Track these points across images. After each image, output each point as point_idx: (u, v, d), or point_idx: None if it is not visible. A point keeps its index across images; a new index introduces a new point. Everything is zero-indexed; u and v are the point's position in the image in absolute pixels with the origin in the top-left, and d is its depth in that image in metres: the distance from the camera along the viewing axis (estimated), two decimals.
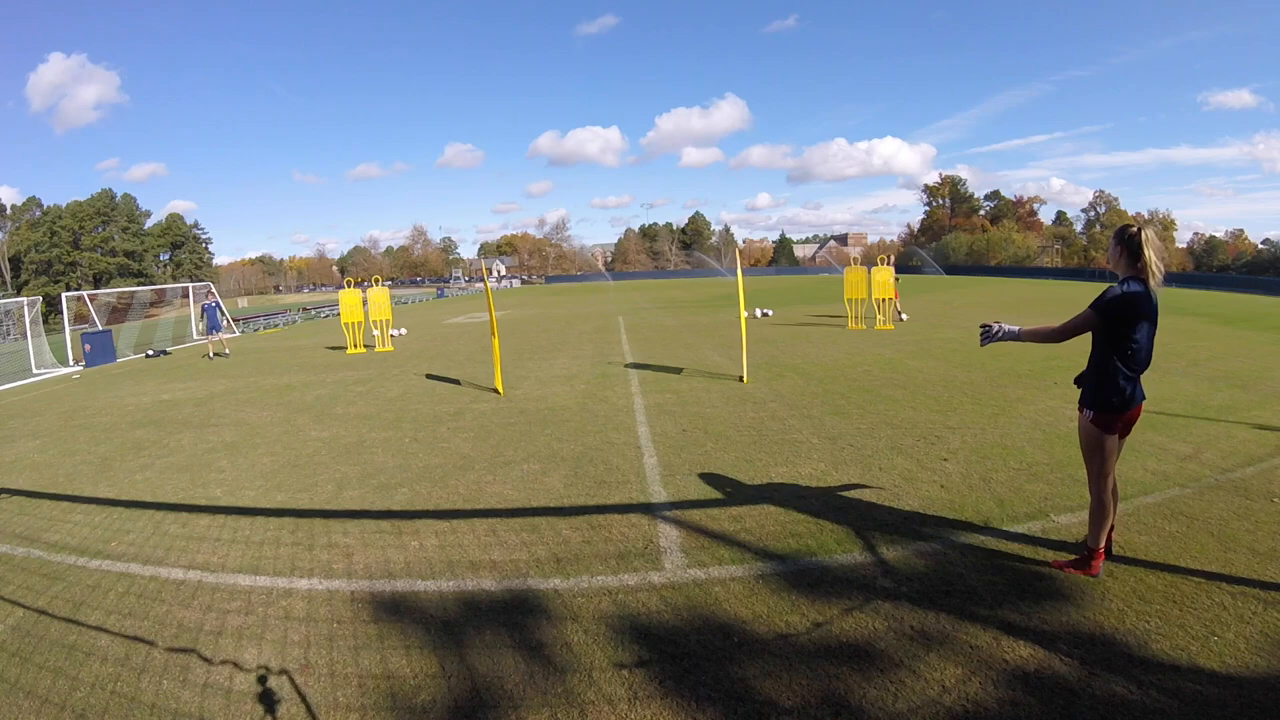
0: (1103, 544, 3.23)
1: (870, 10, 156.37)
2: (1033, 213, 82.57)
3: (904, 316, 16.31)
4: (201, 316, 16.20)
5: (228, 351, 15.60)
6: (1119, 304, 2.91)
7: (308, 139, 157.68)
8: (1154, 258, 2.92)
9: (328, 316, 31.45)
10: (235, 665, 2.85)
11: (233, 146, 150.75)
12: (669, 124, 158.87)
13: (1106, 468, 3.10)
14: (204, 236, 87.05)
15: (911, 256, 72.74)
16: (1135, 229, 2.99)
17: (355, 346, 14.76)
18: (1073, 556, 3.35)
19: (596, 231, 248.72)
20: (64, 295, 20.40)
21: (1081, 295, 25.45)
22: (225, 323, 17.71)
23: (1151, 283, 2.93)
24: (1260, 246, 70.80)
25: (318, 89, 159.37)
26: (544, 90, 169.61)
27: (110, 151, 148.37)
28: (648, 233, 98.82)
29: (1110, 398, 3.01)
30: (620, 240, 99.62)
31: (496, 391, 8.69)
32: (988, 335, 3.22)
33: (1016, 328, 3.20)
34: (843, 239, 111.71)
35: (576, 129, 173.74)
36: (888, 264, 15.64)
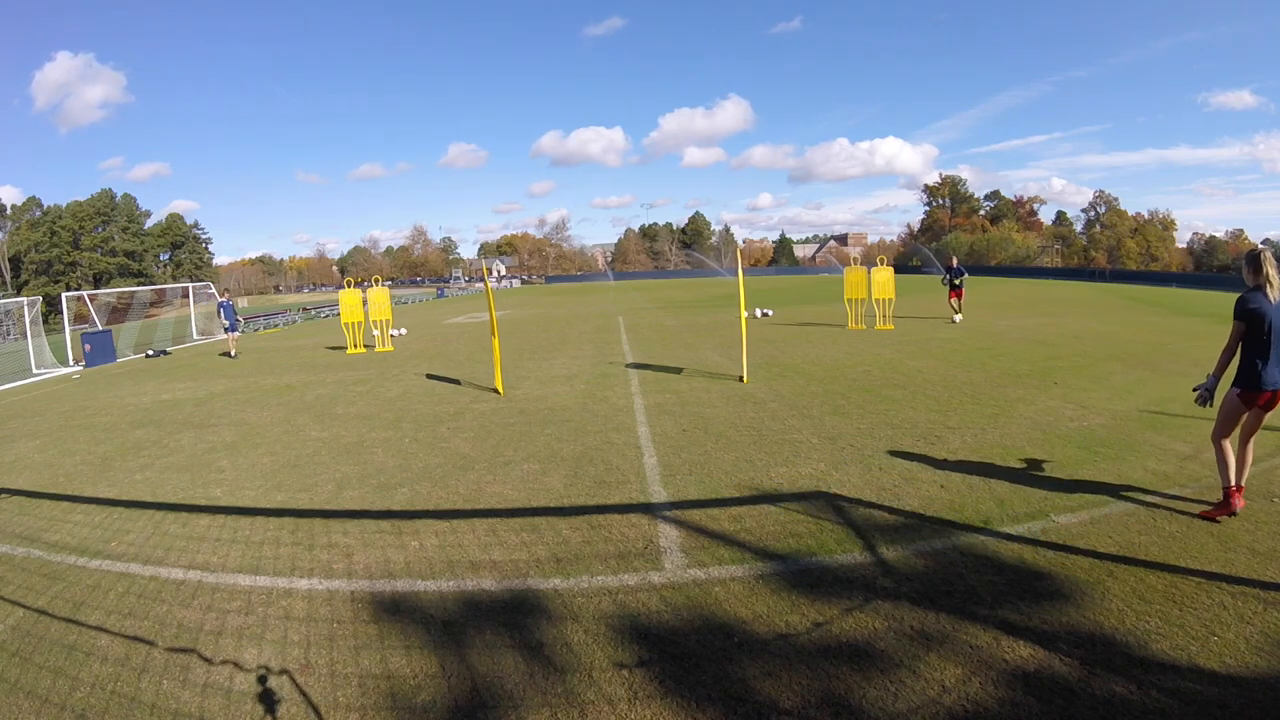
0: (1232, 483, 3.78)
1: (874, 11, 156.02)
2: (1033, 213, 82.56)
3: (956, 318, 15.21)
4: (218, 314, 16.26)
5: (234, 354, 15.63)
6: (1242, 305, 3.67)
7: (311, 139, 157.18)
8: (1272, 273, 3.63)
9: (328, 316, 31.45)
10: (235, 665, 2.85)
11: (236, 146, 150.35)
12: (672, 124, 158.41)
13: (1226, 429, 3.83)
14: (204, 236, 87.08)
15: (913, 255, 72.65)
16: (1256, 251, 3.73)
17: (355, 346, 14.76)
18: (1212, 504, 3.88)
19: (598, 231, 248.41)
20: (64, 295, 20.40)
21: (1081, 295, 25.39)
22: (241, 322, 17.78)
23: (1269, 293, 3.61)
24: (1260, 247, 70.73)
25: (322, 89, 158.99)
26: (548, 91, 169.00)
27: (114, 151, 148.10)
28: (648, 233, 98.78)
29: (1251, 378, 3.68)
30: (620, 240, 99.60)
31: (496, 391, 8.69)
32: (1204, 395, 3.84)
33: (1210, 378, 3.82)
34: (843, 239, 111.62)
35: (580, 129, 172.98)
36: (951, 268, 15.64)
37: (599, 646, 2.85)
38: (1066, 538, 3.63)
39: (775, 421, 6.49)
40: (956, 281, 15.79)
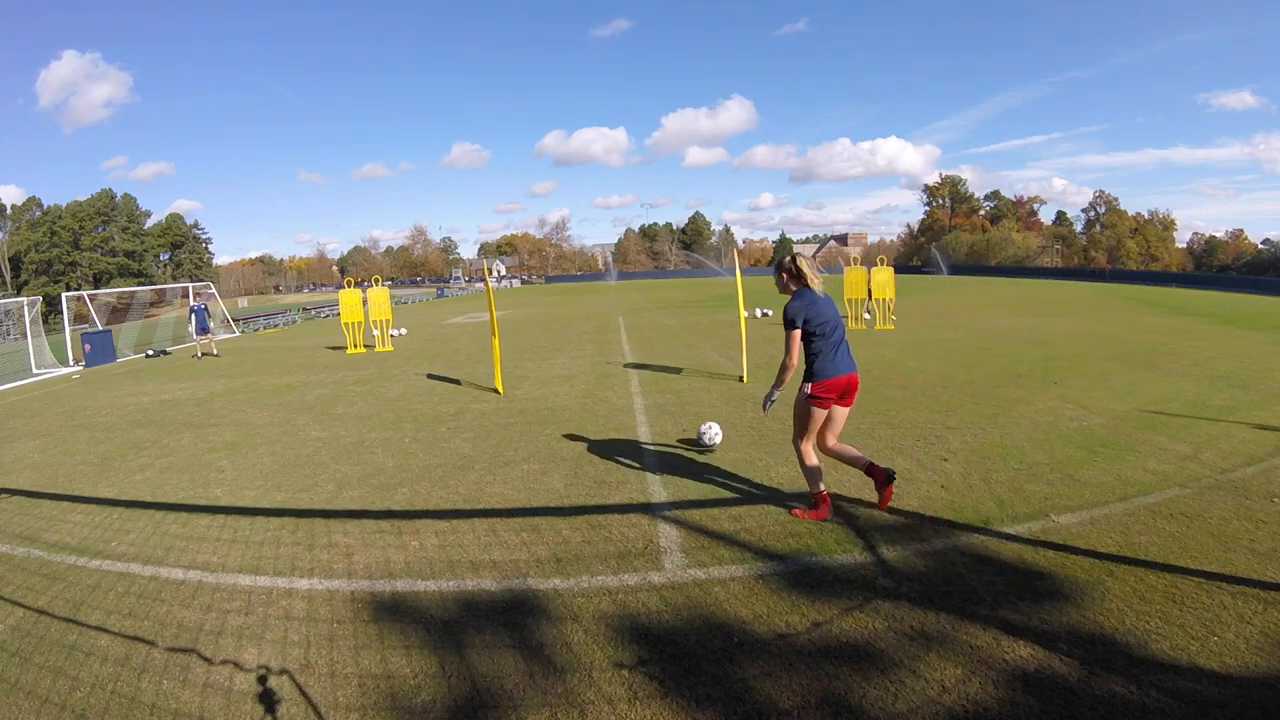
0: (822, 489, 4.03)
1: (878, 13, 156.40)
2: (1033, 213, 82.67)
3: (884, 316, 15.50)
4: (189, 317, 16.38)
5: (216, 352, 15.90)
6: (805, 310, 3.84)
7: (314, 139, 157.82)
8: (811, 273, 3.92)
9: (328, 316, 31.45)
10: (235, 665, 2.85)
11: (240, 146, 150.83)
12: (675, 124, 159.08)
13: (811, 430, 3.98)
14: (204, 236, 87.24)
15: (913, 255, 72.60)
16: (790, 259, 4.01)
17: (355, 346, 14.76)
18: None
19: (599, 231, 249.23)
20: (64, 295, 20.40)
21: (1081, 295, 25.42)
22: (212, 325, 17.98)
23: (816, 288, 3.90)
24: (1260, 246, 70.89)
25: (327, 89, 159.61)
26: (552, 91, 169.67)
27: (118, 150, 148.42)
28: (648, 233, 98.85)
29: (823, 374, 3.86)
30: (620, 240, 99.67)
31: (496, 391, 8.69)
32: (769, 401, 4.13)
33: (774, 390, 4.07)
34: (843, 239, 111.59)
35: (583, 129, 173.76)
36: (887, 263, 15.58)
37: (599, 646, 2.85)
38: (1066, 538, 3.63)
39: (775, 421, 6.48)
40: None
